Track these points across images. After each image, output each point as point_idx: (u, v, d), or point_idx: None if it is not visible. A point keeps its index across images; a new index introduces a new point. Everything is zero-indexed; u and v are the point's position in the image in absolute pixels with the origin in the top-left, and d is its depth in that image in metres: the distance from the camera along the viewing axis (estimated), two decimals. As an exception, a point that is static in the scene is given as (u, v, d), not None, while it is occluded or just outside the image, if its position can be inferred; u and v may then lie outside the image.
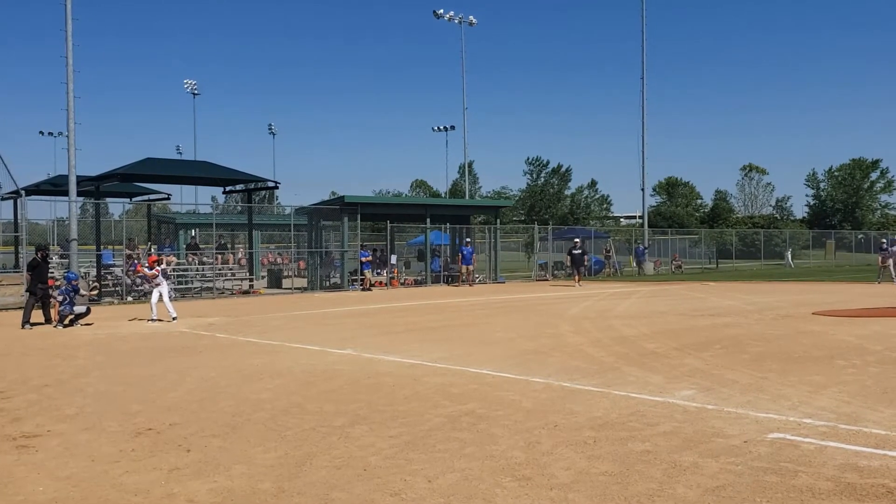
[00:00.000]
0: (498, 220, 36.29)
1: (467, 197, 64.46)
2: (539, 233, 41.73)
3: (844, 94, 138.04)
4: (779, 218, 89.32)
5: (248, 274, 30.42)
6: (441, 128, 70.87)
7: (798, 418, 6.93)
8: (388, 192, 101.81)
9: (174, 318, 16.72)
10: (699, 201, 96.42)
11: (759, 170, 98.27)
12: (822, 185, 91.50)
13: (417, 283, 32.91)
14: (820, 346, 11.76)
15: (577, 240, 32.63)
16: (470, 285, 31.06)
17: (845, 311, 16.72)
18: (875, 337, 12.62)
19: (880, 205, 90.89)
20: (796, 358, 10.55)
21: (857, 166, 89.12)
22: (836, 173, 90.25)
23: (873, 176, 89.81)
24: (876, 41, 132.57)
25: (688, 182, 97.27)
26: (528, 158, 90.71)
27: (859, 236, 66.00)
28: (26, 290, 17.58)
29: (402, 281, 33.12)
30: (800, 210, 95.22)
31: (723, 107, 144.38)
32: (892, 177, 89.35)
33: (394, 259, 32.72)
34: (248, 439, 6.54)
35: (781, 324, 15.00)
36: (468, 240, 32.42)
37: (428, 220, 32.86)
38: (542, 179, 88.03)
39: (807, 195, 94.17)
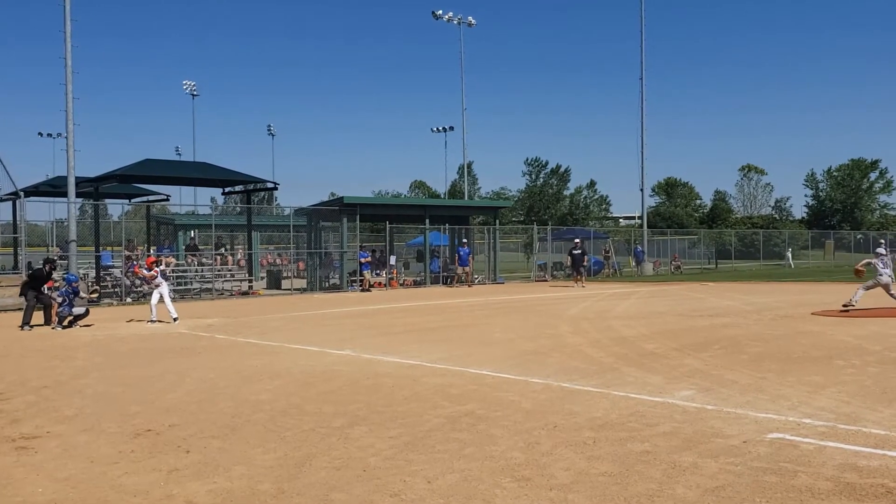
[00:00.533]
0: (497, 221, 36.31)
1: (466, 198, 64.43)
2: (538, 233, 41.75)
3: (844, 94, 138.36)
4: (778, 218, 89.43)
5: (247, 275, 30.42)
6: (440, 128, 70.97)
7: (797, 418, 6.93)
8: (388, 193, 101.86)
9: (175, 319, 16.70)
10: (698, 202, 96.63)
11: (758, 170, 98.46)
12: (821, 185, 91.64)
13: (417, 284, 32.91)
14: (819, 346, 11.76)
15: (577, 240, 32.63)
16: (469, 286, 31.06)
17: (844, 311, 16.70)
18: (874, 337, 12.63)
19: (879, 205, 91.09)
20: (795, 358, 10.56)
21: (857, 167, 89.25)
22: (835, 174, 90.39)
23: (872, 176, 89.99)
24: (876, 41, 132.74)
25: (687, 182, 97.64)
26: (527, 159, 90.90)
27: (858, 236, 66.08)
28: (20, 294, 17.66)
29: (401, 282, 33.13)
30: (799, 210, 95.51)
31: (722, 107, 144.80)
32: (891, 177, 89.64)
33: (393, 260, 32.71)
34: (247, 440, 6.54)
35: (780, 324, 15.01)
36: (464, 241, 32.40)
37: (427, 220, 32.87)
38: (542, 180, 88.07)
39: (806, 195, 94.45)
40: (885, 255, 17.20)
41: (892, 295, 16.88)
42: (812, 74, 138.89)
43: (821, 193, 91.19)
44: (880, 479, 5.12)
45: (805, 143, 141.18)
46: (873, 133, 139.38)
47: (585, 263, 32.31)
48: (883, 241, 33.28)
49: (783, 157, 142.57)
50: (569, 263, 32.69)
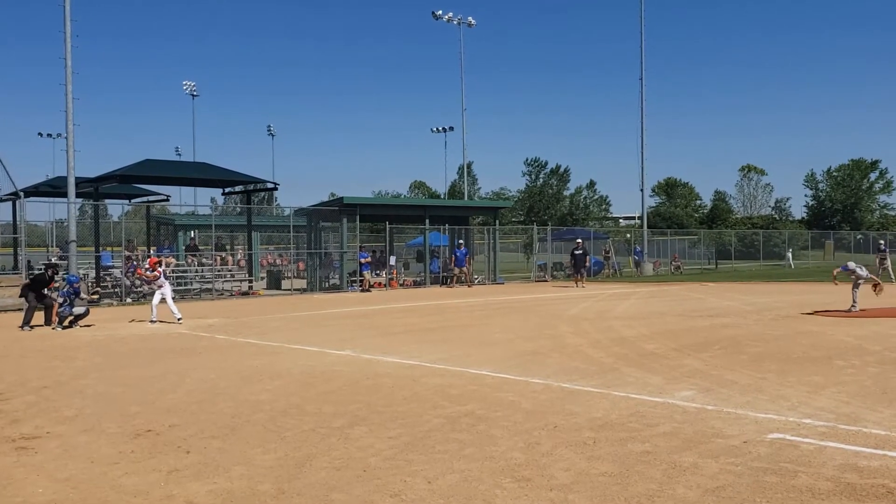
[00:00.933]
0: (497, 221, 36.29)
1: (466, 198, 64.44)
2: (538, 234, 41.73)
3: (844, 94, 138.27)
4: (778, 218, 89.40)
5: (247, 275, 30.42)
6: (440, 129, 70.99)
7: (797, 419, 6.93)
8: (387, 194, 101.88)
9: (179, 320, 16.71)
10: (698, 202, 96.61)
11: (758, 170, 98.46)
12: (820, 185, 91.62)
13: (416, 284, 32.90)
14: (819, 346, 11.77)
15: (578, 241, 32.62)
16: (468, 286, 31.05)
17: (844, 311, 16.70)
18: (874, 337, 12.63)
19: (879, 205, 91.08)
20: (795, 358, 10.56)
21: (856, 167, 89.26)
22: (835, 174, 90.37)
23: (872, 176, 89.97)
24: (876, 41, 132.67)
25: (687, 183, 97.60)
26: (526, 159, 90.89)
27: (858, 237, 66.07)
28: (20, 296, 17.70)
29: (400, 282, 33.12)
30: (799, 211, 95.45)
31: (722, 107, 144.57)
32: (891, 177, 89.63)
33: (392, 260, 32.70)
34: (247, 441, 6.54)
35: (780, 324, 15.01)
36: (461, 241, 32.34)
37: (427, 221, 32.86)
38: (541, 180, 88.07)
39: (806, 196, 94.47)
40: (856, 269, 17.20)
41: (855, 289, 16.96)
42: (812, 74, 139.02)
43: (821, 194, 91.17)
44: (881, 480, 5.13)
45: (805, 144, 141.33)
46: (873, 133, 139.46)
47: (587, 264, 32.30)
48: (882, 241, 33.34)
49: (783, 158, 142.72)
50: (570, 263, 32.66)
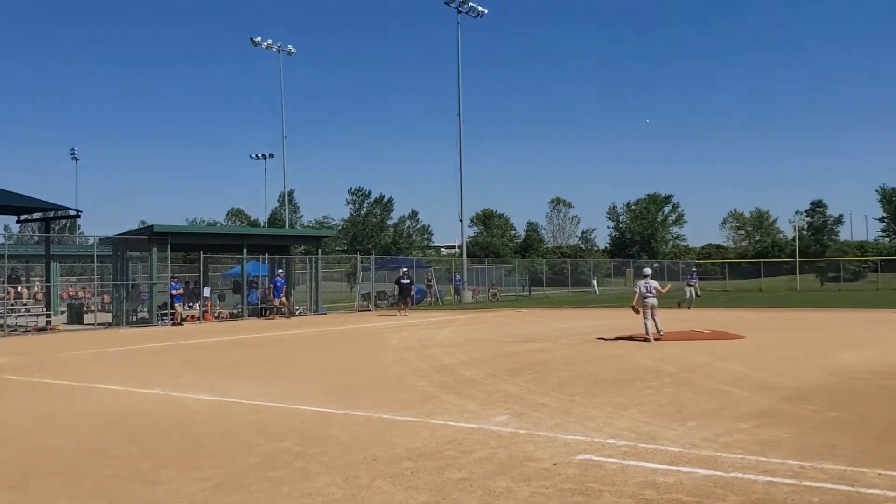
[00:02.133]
0: (319, 251, 35.95)
1: (287, 226, 63.37)
2: (362, 262, 41.77)
3: (640, 130, 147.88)
4: (584, 248, 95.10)
5: (44, 309, 28.06)
6: (259, 155, 69.63)
7: (602, 439, 7.33)
8: (203, 222, 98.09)
9: None
10: (513, 232, 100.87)
11: (566, 203, 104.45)
12: (621, 217, 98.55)
13: (233, 317, 31.80)
14: (621, 369, 12.55)
15: (404, 269, 33.01)
16: (287, 317, 30.45)
17: (642, 335, 17.86)
18: (670, 360, 13.65)
19: (672, 236, 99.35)
20: (601, 381, 11.19)
21: (652, 201, 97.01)
22: (633, 207, 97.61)
23: (666, 210, 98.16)
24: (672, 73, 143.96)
25: (503, 214, 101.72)
26: (350, 188, 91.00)
27: (655, 265, 71.54)
28: None
29: (216, 315, 31.87)
30: (603, 241, 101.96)
31: (530, 138, 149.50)
32: (682, 210, 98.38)
33: (207, 292, 31.44)
34: (41, 490, 5.97)
35: (587, 348, 15.89)
36: (280, 270, 31.74)
37: (245, 250, 31.93)
38: (365, 209, 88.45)
39: (608, 227, 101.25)
40: (647, 283, 17.75)
41: (654, 318, 17.25)
42: (605, 111, 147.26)
43: (621, 225, 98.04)
44: (675, 494, 5.52)
45: (606, 178, 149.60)
46: (667, 170, 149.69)
47: (412, 293, 32.70)
48: (694, 269, 36.37)
49: (588, 191, 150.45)
50: (396, 292, 32.92)
